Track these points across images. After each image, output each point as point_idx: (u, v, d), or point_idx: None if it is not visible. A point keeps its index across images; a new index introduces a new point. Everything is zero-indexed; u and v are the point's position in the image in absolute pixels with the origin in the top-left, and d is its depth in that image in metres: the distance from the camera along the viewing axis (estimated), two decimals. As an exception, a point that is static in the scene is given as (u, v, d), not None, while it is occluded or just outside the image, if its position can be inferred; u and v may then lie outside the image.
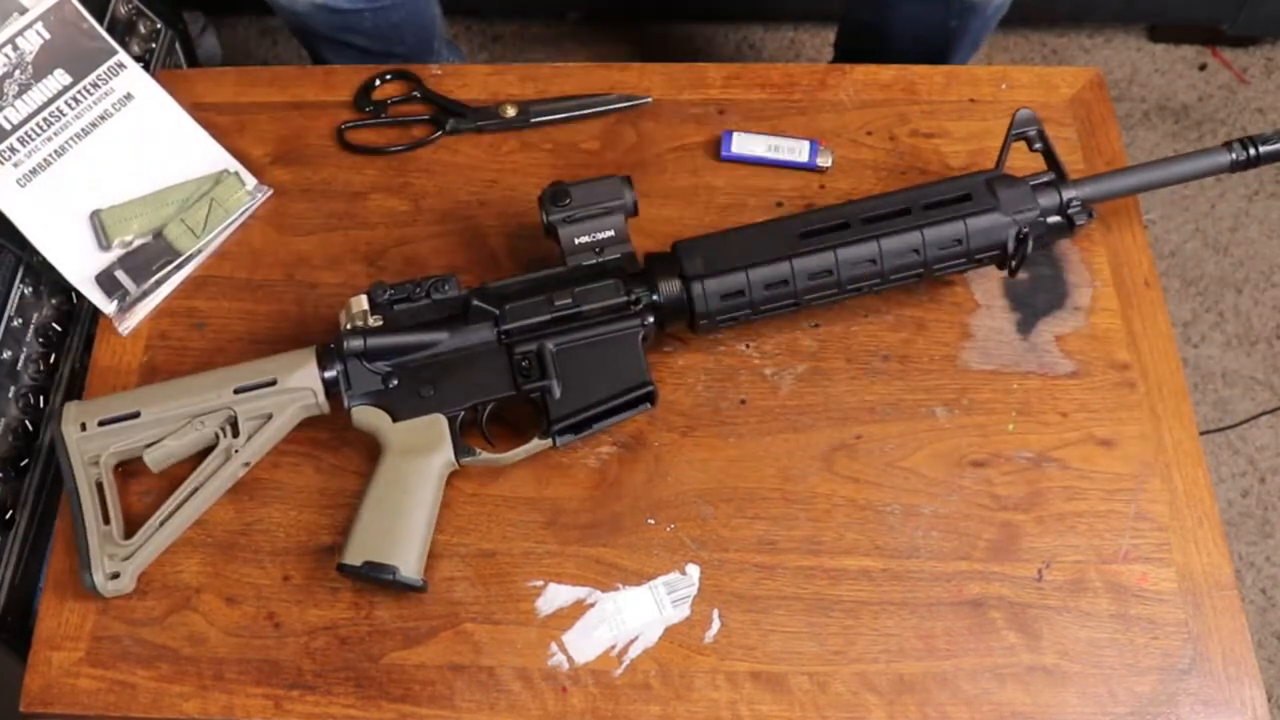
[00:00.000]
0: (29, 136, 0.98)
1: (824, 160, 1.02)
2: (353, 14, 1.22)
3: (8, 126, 0.97)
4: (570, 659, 0.84)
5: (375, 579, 0.84)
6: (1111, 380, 0.93)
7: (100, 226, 0.99)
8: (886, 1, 1.31)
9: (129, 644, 0.85)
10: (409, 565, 0.84)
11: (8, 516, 0.94)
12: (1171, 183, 0.93)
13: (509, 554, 0.87)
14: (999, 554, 0.87)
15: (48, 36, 1.00)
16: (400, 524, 0.84)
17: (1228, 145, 0.92)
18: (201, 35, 1.65)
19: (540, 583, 0.86)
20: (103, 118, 1.01)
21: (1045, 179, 0.92)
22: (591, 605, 0.86)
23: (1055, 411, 0.92)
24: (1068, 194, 0.91)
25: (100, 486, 0.87)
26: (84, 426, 0.87)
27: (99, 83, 1.01)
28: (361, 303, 0.87)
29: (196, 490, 0.87)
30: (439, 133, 1.06)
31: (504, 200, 1.03)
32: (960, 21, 1.25)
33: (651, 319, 0.89)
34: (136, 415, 0.87)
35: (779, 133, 1.04)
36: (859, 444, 0.91)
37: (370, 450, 0.89)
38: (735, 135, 1.03)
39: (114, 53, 1.02)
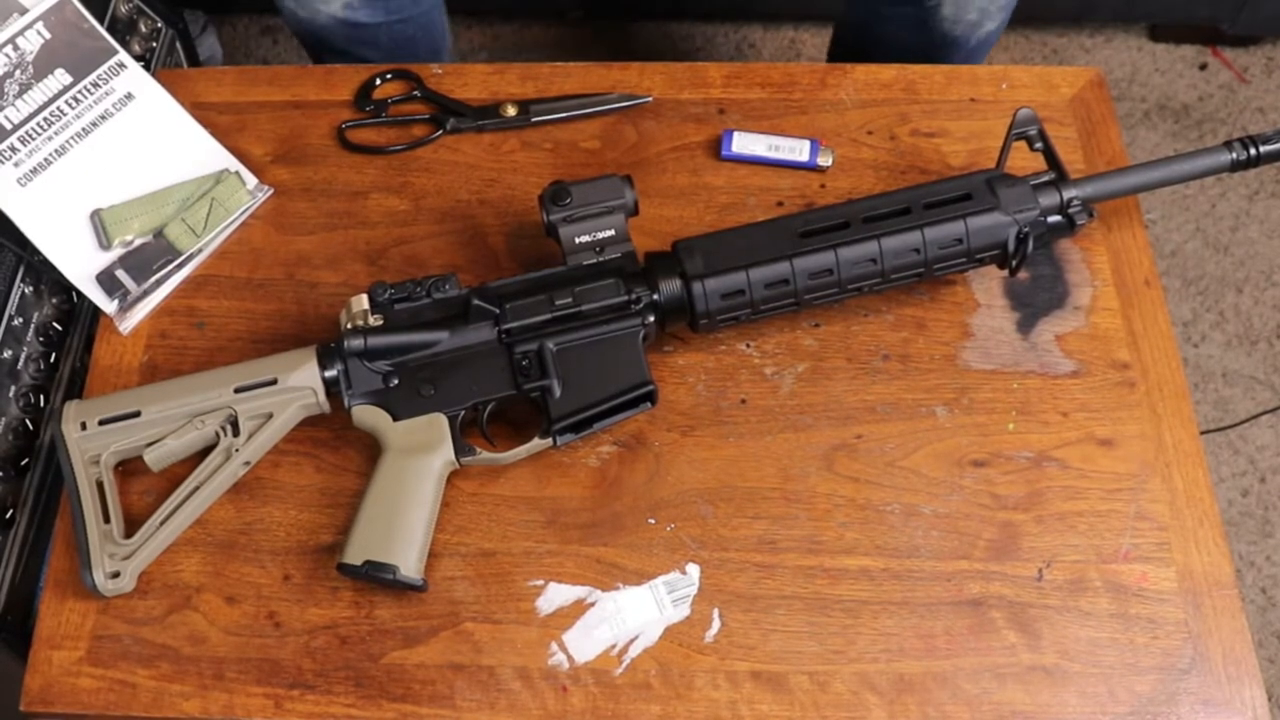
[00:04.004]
0: (29, 136, 0.98)
1: (824, 160, 1.02)
2: (371, 28, 1.22)
3: (8, 126, 0.98)
4: (570, 658, 0.84)
5: (375, 578, 0.84)
6: (1112, 380, 0.93)
7: (101, 226, 0.99)
8: (872, 30, 1.31)
9: (129, 643, 0.85)
10: (409, 565, 0.84)
11: (8, 516, 0.94)
12: (1172, 182, 0.93)
13: (509, 553, 0.88)
14: (999, 554, 0.87)
15: (48, 36, 1.00)
16: (400, 523, 0.84)
17: (1228, 145, 0.92)
18: (202, 35, 1.65)
19: (540, 582, 0.86)
20: (103, 117, 1.01)
21: (1046, 178, 0.92)
22: (592, 605, 0.86)
23: (1055, 411, 0.92)
24: (1068, 193, 0.91)
25: (100, 486, 0.87)
26: (84, 425, 0.87)
27: (99, 82, 1.01)
28: (362, 302, 0.87)
29: (197, 489, 0.87)
30: (439, 132, 1.06)
31: (504, 199, 1.03)
32: (944, 53, 1.26)
33: (652, 318, 0.89)
34: (137, 414, 0.87)
35: (779, 132, 1.04)
36: (859, 443, 0.91)
37: (371, 450, 0.89)
38: (735, 134, 1.03)
39: (114, 52, 1.02)
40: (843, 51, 1.47)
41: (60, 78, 1.00)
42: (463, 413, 0.88)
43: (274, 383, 0.87)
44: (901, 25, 1.24)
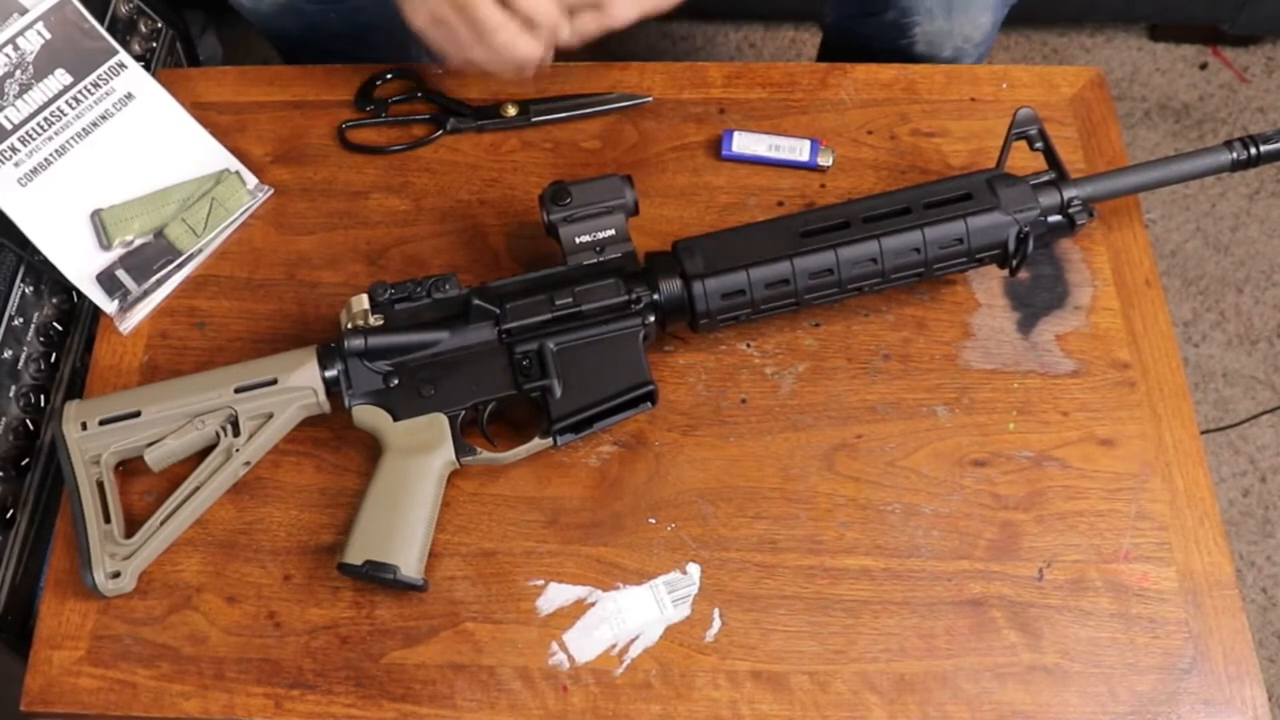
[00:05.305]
0: (30, 136, 0.98)
1: (825, 159, 1.02)
2: (318, 14, 1.21)
3: (9, 126, 0.98)
4: (571, 658, 0.84)
5: (376, 578, 0.84)
6: (1112, 380, 0.93)
7: (101, 226, 0.99)
8: (852, 59, 1.31)
9: (129, 643, 0.85)
10: (409, 564, 0.84)
11: (8, 516, 0.94)
12: (1172, 182, 0.93)
13: (509, 553, 0.88)
14: (1000, 553, 0.87)
15: (48, 36, 1.00)
16: (401, 523, 0.84)
17: (1228, 144, 0.92)
18: (202, 35, 1.65)
19: (541, 582, 0.86)
20: (104, 117, 1.01)
21: (1046, 178, 0.92)
22: (592, 604, 0.86)
23: (1056, 411, 0.92)
24: (1068, 193, 0.91)
25: (101, 486, 0.87)
26: (85, 425, 0.87)
27: (100, 82, 1.01)
28: (362, 302, 0.87)
29: (197, 489, 0.87)
30: (440, 132, 1.06)
31: (505, 199, 1.03)
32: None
33: (652, 318, 0.89)
34: (137, 414, 0.87)
35: (780, 132, 1.04)
36: (860, 443, 0.91)
37: (371, 449, 0.89)
38: (736, 134, 1.03)
39: (115, 52, 1.02)
40: None
41: (60, 78, 1.00)
42: (463, 413, 0.88)
43: (274, 383, 0.87)
44: (879, 57, 1.24)
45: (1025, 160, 0.94)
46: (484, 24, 0.89)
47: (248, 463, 0.88)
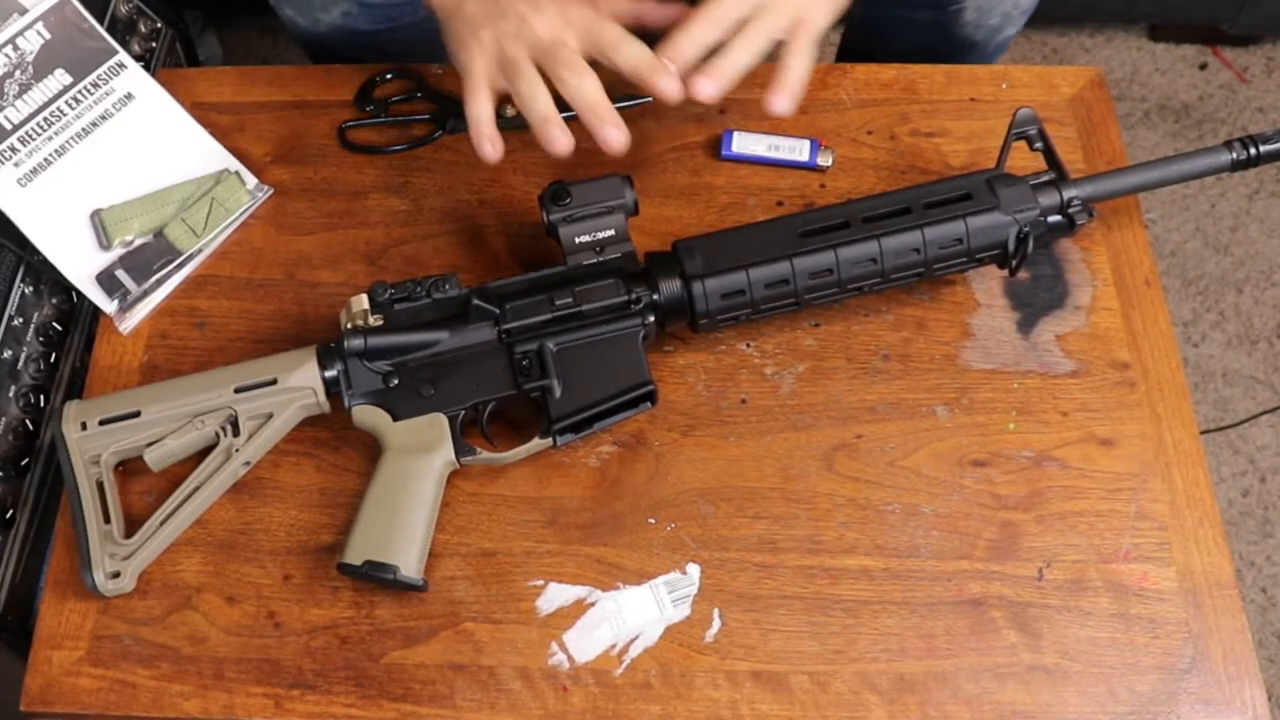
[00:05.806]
0: (29, 136, 0.98)
1: (824, 159, 1.02)
2: (370, 34, 1.22)
3: (8, 126, 0.98)
4: (571, 658, 0.84)
5: (375, 578, 0.84)
6: (1112, 380, 0.93)
7: (101, 226, 0.99)
8: (885, 34, 1.30)
9: (129, 643, 0.85)
10: (409, 565, 0.84)
11: (8, 516, 0.94)
12: (1172, 182, 0.93)
13: (509, 553, 0.88)
14: (999, 553, 0.87)
15: (48, 36, 1.00)
16: (401, 523, 0.84)
17: (1228, 144, 0.92)
18: (202, 35, 1.65)
19: (541, 582, 0.86)
20: (103, 117, 1.01)
21: (1046, 178, 0.92)
22: (592, 604, 0.86)
23: (1056, 411, 0.92)
24: (1068, 193, 0.91)
25: (101, 486, 0.87)
26: (84, 426, 0.87)
27: (99, 82, 1.01)
28: (362, 302, 0.87)
29: (197, 489, 0.87)
30: (439, 132, 1.06)
31: (504, 200, 1.03)
32: (960, 58, 1.25)
33: (652, 318, 0.89)
34: (137, 414, 0.87)
35: (779, 132, 1.04)
36: (859, 443, 0.91)
37: (371, 449, 0.89)
38: (735, 134, 1.03)
39: (114, 53, 1.02)
40: (850, 55, 1.45)
41: (60, 78, 1.00)
42: (463, 413, 0.88)
43: (274, 383, 0.87)
44: (919, 29, 1.23)
45: (1025, 160, 0.94)
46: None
47: (248, 463, 0.88)
